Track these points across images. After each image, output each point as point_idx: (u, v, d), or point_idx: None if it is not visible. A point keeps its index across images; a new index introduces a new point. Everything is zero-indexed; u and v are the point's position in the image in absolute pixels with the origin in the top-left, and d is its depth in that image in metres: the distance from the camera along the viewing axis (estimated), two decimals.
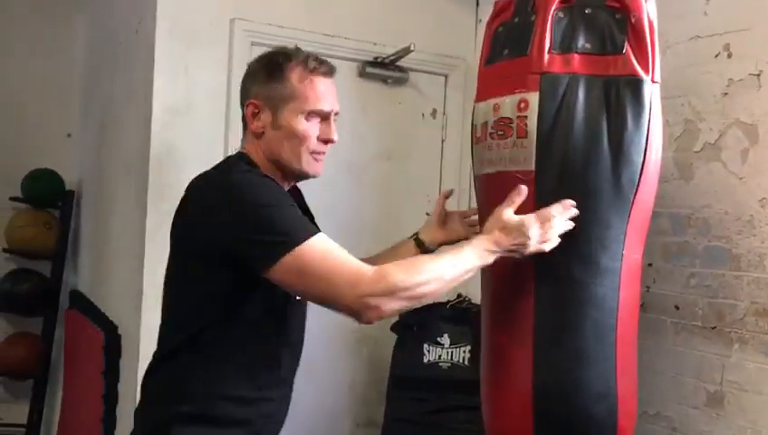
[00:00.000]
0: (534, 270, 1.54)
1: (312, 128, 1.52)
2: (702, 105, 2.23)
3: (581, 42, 1.48)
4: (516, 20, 1.58)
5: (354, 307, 1.36)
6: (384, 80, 2.78)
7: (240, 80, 2.46)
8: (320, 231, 1.41)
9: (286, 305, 1.53)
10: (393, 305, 1.38)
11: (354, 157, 2.76)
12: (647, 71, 1.50)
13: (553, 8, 1.50)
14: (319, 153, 1.55)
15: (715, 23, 2.20)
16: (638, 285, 1.72)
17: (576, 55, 1.49)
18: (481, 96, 1.68)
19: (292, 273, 1.35)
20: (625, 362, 1.60)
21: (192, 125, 2.51)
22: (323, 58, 1.57)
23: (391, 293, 1.36)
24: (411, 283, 1.37)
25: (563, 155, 1.48)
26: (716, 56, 2.19)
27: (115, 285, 2.95)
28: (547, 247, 1.46)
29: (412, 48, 2.65)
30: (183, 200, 1.53)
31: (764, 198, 2.06)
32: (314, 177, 1.57)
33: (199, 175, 1.54)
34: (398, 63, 2.75)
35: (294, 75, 1.51)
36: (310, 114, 1.51)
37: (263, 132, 1.53)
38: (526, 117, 1.51)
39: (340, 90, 2.67)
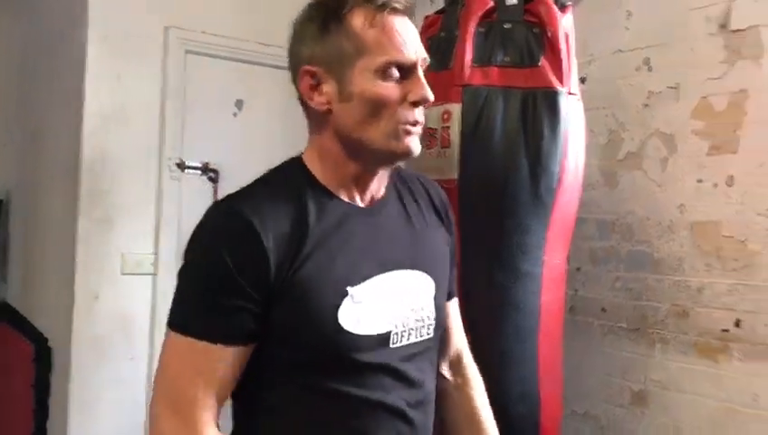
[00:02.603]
0: (459, 275, 1.58)
1: (393, 88, 1.04)
2: (624, 116, 2.33)
3: (501, 55, 1.54)
4: (442, 34, 1.63)
5: (150, 419, 1.01)
6: None
7: (174, 88, 2.52)
8: (222, 339, 0.98)
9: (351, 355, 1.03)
10: None
11: None
12: (562, 83, 1.57)
13: (474, 23, 1.55)
14: (411, 123, 1.05)
15: (636, 37, 2.30)
16: (562, 289, 1.79)
17: (495, 68, 1.54)
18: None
19: (163, 349, 1.02)
20: (548, 364, 1.66)
21: (126, 133, 2.49)
22: None
23: None
24: None
25: (484, 164, 1.53)
26: (637, 69, 2.29)
27: (45, 296, 2.89)
28: None
29: None
30: None
31: (682, 205, 2.15)
32: (409, 157, 1.07)
33: None
34: None
35: (358, 20, 1.05)
36: (387, 70, 1.04)
37: (328, 109, 1.06)
38: (449, 127, 1.56)
39: (275, 100, 2.72)
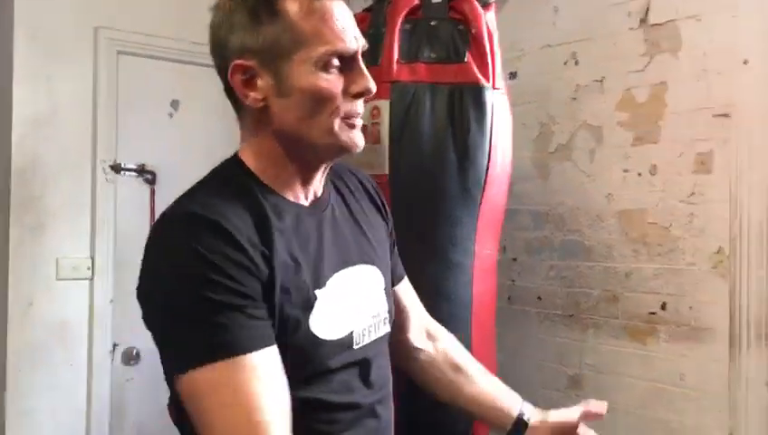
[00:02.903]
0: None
1: (335, 80, 0.97)
2: (554, 109, 2.40)
3: (427, 52, 1.58)
4: (370, 31, 1.66)
5: None
6: None
7: (107, 89, 2.48)
8: (244, 348, 0.87)
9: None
10: None
11: None
12: (487, 78, 1.61)
13: (401, 20, 1.59)
14: (353, 115, 1.00)
15: (563, 33, 2.37)
16: (494, 279, 1.84)
17: (422, 65, 1.58)
18: None
19: (187, 395, 0.88)
20: (481, 353, 1.70)
21: (57, 136, 2.44)
22: None
23: None
24: None
25: (413, 158, 1.57)
26: (565, 63, 2.36)
27: None
28: None
29: None
30: None
31: (610, 194, 2.23)
32: (354, 151, 1.02)
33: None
34: None
35: (293, 6, 0.96)
36: (328, 61, 0.96)
37: (264, 105, 0.97)
38: (379, 123, 1.59)
39: (212, 101, 2.68)
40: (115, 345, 2.54)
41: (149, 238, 0.94)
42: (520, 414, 1.25)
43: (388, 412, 1.09)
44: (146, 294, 0.93)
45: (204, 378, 0.85)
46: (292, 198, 1.01)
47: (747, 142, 1.87)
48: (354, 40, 0.98)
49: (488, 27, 1.62)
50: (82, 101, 2.46)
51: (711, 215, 1.97)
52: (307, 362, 0.94)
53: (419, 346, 1.25)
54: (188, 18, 2.64)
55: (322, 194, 1.06)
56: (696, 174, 2.01)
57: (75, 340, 2.45)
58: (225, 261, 0.88)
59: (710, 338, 1.97)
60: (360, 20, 1.76)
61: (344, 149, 1.00)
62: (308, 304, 0.94)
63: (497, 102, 1.64)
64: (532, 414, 1.27)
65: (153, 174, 2.59)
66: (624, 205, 2.20)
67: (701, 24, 2.00)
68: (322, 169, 1.04)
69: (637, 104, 2.16)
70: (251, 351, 0.87)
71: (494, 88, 1.63)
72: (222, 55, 1.00)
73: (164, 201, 2.62)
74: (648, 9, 2.13)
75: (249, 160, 1.01)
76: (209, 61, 2.94)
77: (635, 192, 2.16)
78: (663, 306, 2.08)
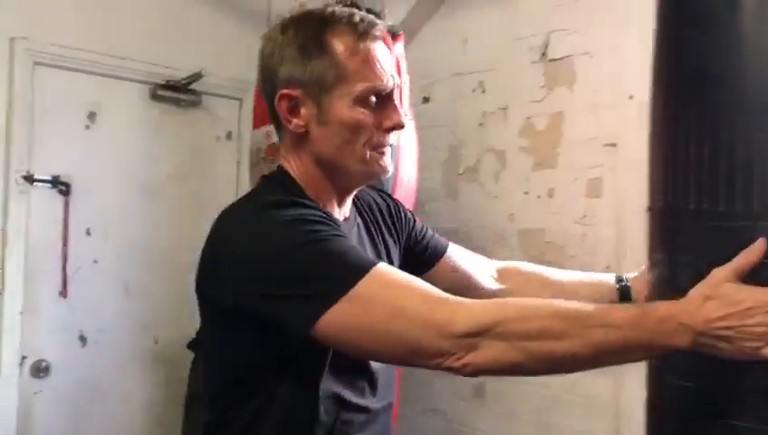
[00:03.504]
0: None
1: (370, 115, 1.08)
2: (463, 133, 2.55)
3: None
4: None
5: (447, 352, 0.91)
6: (177, 102, 2.84)
7: (22, 100, 2.47)
8: (375, 261, 1.00)
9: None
10: (500, 354, 0.91)
11: (148, 177, 2.79)
12: None
13: None
14: (384, 145, 1.10)
15: (471, 63, 2.52)
16: None
17: None
18: (257, 124, 1.83)
19: (343, 330, 0.96)
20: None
21: None
22: (366, 14, 1.12)
23: (501, 335, 0.91)
24: (535, 327, 0.91)
25: None
26: (473, 91, 2.52)
27: None
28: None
29: (203, 73, 2.74)
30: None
31: (512, 214, 2.39)
32: (383, 176, 1.13)
33: (222, 212, 1.12)
34: (190, 87, 2.82)
35: (339, 46, 1.07)
36: (367, 97, 1.07)
37: (306, 131, 1.09)
38: None
39: (129, 113, 2.73)
40: (24, 358, 2.51)
41: (234, 237, 1.04)
42: (618, 280, 1.32)
43: (389, 420, 1.19)
44: (253, 273, 0.99)
45: (356, 298, 0.94)
46: (332, 214, 1.11)
47: (631, 170, 2.06)
48: (391, 78, 1.09)
49: (396, 56, 1.74)
50: None
51: (600, 235, 2.14)
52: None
53: (499, 286, 1.33)
54: (109, 31, 2.66)
55: (350, 213, 1.18)
56: (587, 198, 2.19)
57: None
58: (318, 217, 1.02)
59: None
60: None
61: (374, 175, 1.12)
62: None
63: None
64: (628, 278, 1.33)
65: (68, 185, 2.58)
66: (525, 225, 2.36)
67: (593, 61, 2.18)
68: (354, 191, 1.17)
69: (537, 132, 2.33)
70: (375, 264, 0.98)
71: None
72: (271, 83, 1.10)
73: (79, 213, 2.63)
74: (547, 45, 2.30)
75: (294, 174, 1.12)
76: (127, 74, 2.95)
77: (534, 213, 2.33)
78: None
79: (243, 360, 1.08)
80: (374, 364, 1.12)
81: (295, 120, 1.08)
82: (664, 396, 1.03)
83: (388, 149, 1.10)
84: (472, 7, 2.51)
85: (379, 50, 1.09)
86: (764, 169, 0.91)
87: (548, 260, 2.27)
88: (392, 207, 1.29)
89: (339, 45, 1.06)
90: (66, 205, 2.58)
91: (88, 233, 2.65)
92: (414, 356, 0.96)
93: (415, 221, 1.33)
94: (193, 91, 2.85)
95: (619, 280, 1.32)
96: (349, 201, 1.16)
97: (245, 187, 2.95)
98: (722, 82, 0.96)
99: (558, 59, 2.27)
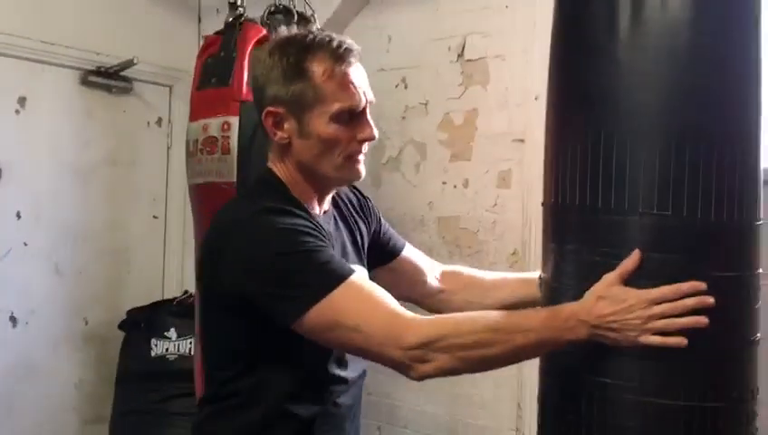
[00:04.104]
0: None
1: (344, 130, 1.24)
2: (387, 126, 2.71)
3: None
4: (222, 54, 1.87)
5: (401, 361, 1.12)
6: (108, 89, 2.89)
7: None
8: (349, 272, 1.17)
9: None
10: (443, 362, 1.12)
11: (79, 162, 2.84)
12: None
13: (250, 48, 1.82)
14: (357, 154, 1.27)
15: (395, 59, 2.69)
16: None
17: None
18: (193, 117, 1.95)
19: (321, 328, 1.15)
20: None
21: None
22: (344, 39, 1.28)
23: (443, 348, 1.11)
24: (469, 341, 1.12)
25: (259, 167, 1.78)
26: (396, 87, 2.69)
27: None
28: (650, 341, 1.08)
29: (135, 61, 2.80)
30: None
31: (431, 202, 2.58)
32: (356, 180, 1.34)
33: (221, 210, 1.30)
34: (122, 74, 2.88)
35: (318, 69, 1.22)
36: (340, 114, 1.23)
37: (289, 142, 1.26)
38: (229, 136, 1.81)
39: (60, 98, 2.77)
40: None
41: (232, 231, 1.21)
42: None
43: (362, 386, 1.38)
44: (248, 271, 1.17)
45: (332, 303, 1.13)
46: (313, 211, 1.29)
47: (536, 164, 2.28)
48: (363, 96, 1.26)
49: None
50: None
51: (509, 223, 2.37)
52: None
53: (440, 286, 1.54)
54: (40, 17, 2.69)
55: (329, 209, 1.35)
56: (498, 188, 2.40)
57: None
58: (306, 228, 1.19)
59: None
60: (212, 42, 1.98)
61: (348, 180, 1.34)
62: None
63: None
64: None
65: None
66: (442, 212, 2.56)
67: (505, 63, 2.39)
68: (332, 191, 1.35)
69: (454, 126, 2.53)
70: (351, 274, 1.16)
71: None
72: (259, 100, 1.28)
73: (9, 196, 2.66)
74: (464, 46, 2.50)
75: (282, 177, 1.29)
76: (58, 60, 3.00)
77: (451, 202, 2.53)
78: None
79: (239, 340, 1.24)
80: None
81: (279, 133, 1.25)
82: (551, 362, 1.24)
83: (362, 157, 1.28)
84: (395, 7, 2.67)
85: (354, 73, 1.25)
86: (632, 173, 1.12)
87: (462, 244, 2.48)
88: (362, 201, 1.49)
89: (318, 69, 1.22)
90: None
91: (18, 216, 2.69)
92: (374, 358, 1.17)
93: (380, 217, 1.53)
94: (124, 78, 2.91)
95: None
96: (328, 198, 1.34)
97: (176, 172, 3.06)
98: (600, 99, 1.16)
99: (474, 60, 2.47)
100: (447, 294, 1.55)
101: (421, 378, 1.14)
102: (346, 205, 1.43)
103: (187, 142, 1.97)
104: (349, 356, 1.29)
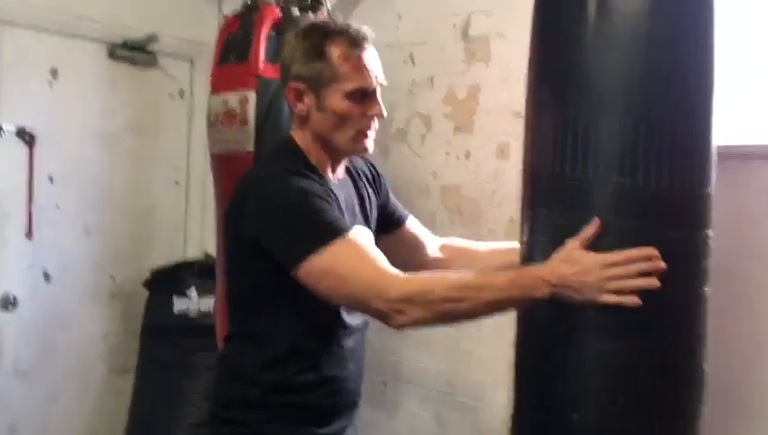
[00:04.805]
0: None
1: (356, 107, 1.42)
2: (394, 99, 2.85)
3: None
4: (240, 33, 2.04)
5: (383, 311, 1.28)
6: (133, 61, 3.06)
7: None
8: (348, 230, 1.34)
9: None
10: (419, 315, 1.28)
11: (105, 130, 3.02)
12: None
13: (267, 28, 1.99)
14: (367, 129, 1.46)
15: (403, 36, 2.83)
16: None
17: None
18: (214, 90, 2.12)
19: (316, 275, 1.31)
20: None
21: None
22: (361, 27, 1.48)
23: (419, 302, 1.27)
24: (441, 296, 1.28)
25: (274, 138, 1.96)
26: (404, 62, 2.83)
27: None
28: (607, 299, 1.21)
29: (158, 36, 2.97)
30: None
31: (435, 172, 2.74)
32: (365, 153, 1.52)
33: (246, 172, 1.52)
34: (146, 48, 3.05)
35: (335, 54, 1.41)
36: (353, 92, 1.41)
37: (308, 115, 1.45)
38: (247, 109, 1.99)
39: (89, 70, 2.95)
40: None
41: (253, 186, 1.41)
42: None
43: (366, 333, 1.58)
44: (261, 219, 1.37)
45: (328, 254, 1.30)
46: (327, 177, 1.48)
47: None
48: (375, 79, 1.44)
49: None
50: None
51: (507, 192, 2.52)
52: None
53: (440, 256, 1.75)
54: None
55: (343, 177, 1.54)
56: (498, 159, 2.55)
57: None
58: (317, 189, 1.37)
59: None
60: (231, 23, 2.15)
61: (358, 152, 1.52)
62: None
63: None
64: None
65: (33, 136, 2.80)
66: (445, 181, 2.71)
67: (506, 41, 2.52)
68: (344, 160, 1.54)
69: (458, 101, 2.67)
70: (349, 232, 1.33)
71: None
72: (284, 77, 1.48)
73: (43, 161, 2.86)
74: (468, 25, 2.64)
75: (300, 144, 1.48)
76: (88, 33, 3.15)
77: (454, 172, 2.68)
78: None
79: (256, 285, 1.43)
80: None
81: (299, 106, 1.45)
82: (525, 315, 1.40)
83: (371, 133, 1.47)
84: None
85: (367, 57, 1.44)
86: (596, 145, 1.27)
87: (464, 211, 2.65)
88: (373, 171, 1.69)
89: (335, 52, 1.41)
90: (31, 154, 2.80)
91: (51, 180, 2.89)
92: (359, 307, 1.35)
93: (388, 190, 1.72)
94: (148, 52, 3.07)
95: None
96: (341, 166, 1.53)
97: (196, 141, 3.23)
98: (570, 78, 1.30)
99: (477, 37, 2.61)
100: (444, 262, 1.74)
101: (399, 327, 1.30)
102: (359, 175, 1.62)
103: (208, 114, 2.15)
104: None
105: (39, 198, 2.83)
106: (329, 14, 2.10)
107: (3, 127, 2.73)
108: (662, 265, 1.22)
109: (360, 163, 1.64)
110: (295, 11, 2.03)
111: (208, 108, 2.16)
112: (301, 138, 1.48)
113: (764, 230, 1.89)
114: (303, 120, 1.46)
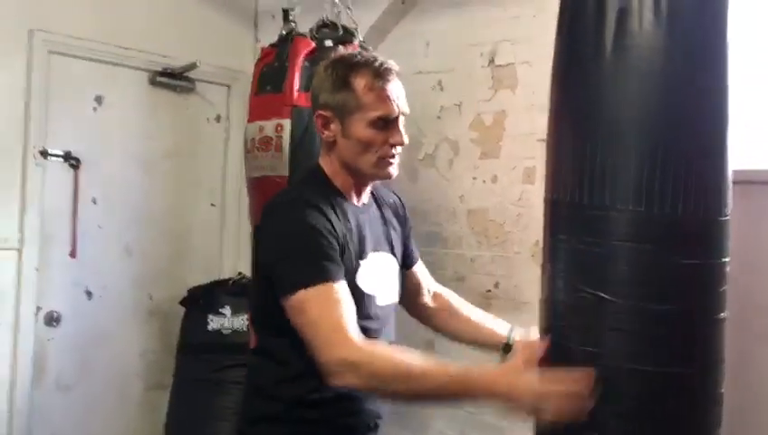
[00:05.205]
0: None
1: (379, 134, 1.49)
2: (423, 125, 2.94)
3: None
4: (276, 64, 2.14)
5: (324, 366, 1.34)
6: (173, 88, 3.20)
7: (39, 85, 2.81)
8: (337, 278, 1.40)
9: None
10: (352, 382, 1.34)
11: (145, 153, 3.16)
12: None
13: (301, 58, 2.09)
14: (389, 156, 1.53)
15: (432, 63, 2.92)
16: None
17: None
18: (251, 119, 2.23)
19: (296, 309, 1.38)
20: None
21: None
22: (386, 60, 1.54)
23: (357, 372, 1.32)
24: (380, 374, 1.33)
25: (306, 162, 2.05)
26: (432, 88, 2.91)
27: None
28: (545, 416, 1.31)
29: (198, 64, 3.10)
30: None
31: (462, 195, 2.81)
32: (388, 179, 1.57)
33: (276, 195, 1.60)
34: (185, 75, 3.18)
35: (360, 85, 1.48)
36: (376, 121, 1.48)
37: (334, 141, 1.52)
38: (281, 137, 2.08)
39: (131, 97, 3.09)
40: (38, 308, 2.88)
41: (271, 213, 1.50)
42: (509, 336, 1.74)
43: (393, 313, 1.65)
44: (269, 246, 1.46)
45: (309, 294, 1.36)
46: (351, 200, 1.55)
47: None
48: (397, 108, 1.51)
49: None
50: (16, 95, 2.76)
51: (532, 216, 2.57)
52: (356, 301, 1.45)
53: (430, 304, 1.83)
54: (116, 24, 3.00)
55: (368, 202, 1.60)
56: (523, 184, 2.62)
57: (5, 303, 2.78)
58: (323, 226, 1.43)
59: (528, 309, 2.58)
60: (267, 54, 2.25)
61: (381, 177, 1.57)
62: (356, 267, 1.50)
63: None
64: (518, 335, 1.73)
65: (78, 160, 2.94)
66: (472, 205, 2.78)
67: (531, 69, 2.59)
68: (369, 185, 1.59)
69: (484, 127, 2.74)
70: (338, 280, 1.39)
71: None
72: (314, 104, 1.55)
73: (87, 184, 3.00)
74: (495, 53, 2.71)
75: (326, 169, 1.55)
76: (130, 63, 3.30)
77: (480, 195, 2.75)
78: (496, 285, 2.68)
79: (271, 307, 1.46)
80: (385, 311, 1.59)
81: (326, 132, 1.52)
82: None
83: (393, 160, 1.53)
84: (433, 16, 2.90)
85: (390, 87, 1.51)
86: (613, 175, 1.33)
87: (490, 235, 2.71)
88: (399, 206, 1.73)
89: (360, 83, 1.48)
90: (76, 177, 2.94)
91: (94, 202, 3.02)
92: (312, 353, 1.36)
93: (410, 227, 1.78)
94: (188, 79, 3.21)
95: (509, 337, 1.75)
96: (366, 192, 1.59)
97: (232, 164, 3.36)
98: (588, 110, 1.35)
99: (503, 65, 2.68)
100: (431, 311, 1.83)
101: (333, 385, 1.35)
102: (387, 205, 1.68)
103: (245, 141, 2.26)
104: (375, 314, 1.54)
105: (83, 219, 2.97)
106: (360, 44, 2.19)
107: (50, 151, 2.86)
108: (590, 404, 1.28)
109: (387, 195, 1.71)
110: (328, 42, 2.13)
111: (245, 134, 2.26)
112: (328, 163, 1.55)
113: None
114: (330, 145, 1.53)
